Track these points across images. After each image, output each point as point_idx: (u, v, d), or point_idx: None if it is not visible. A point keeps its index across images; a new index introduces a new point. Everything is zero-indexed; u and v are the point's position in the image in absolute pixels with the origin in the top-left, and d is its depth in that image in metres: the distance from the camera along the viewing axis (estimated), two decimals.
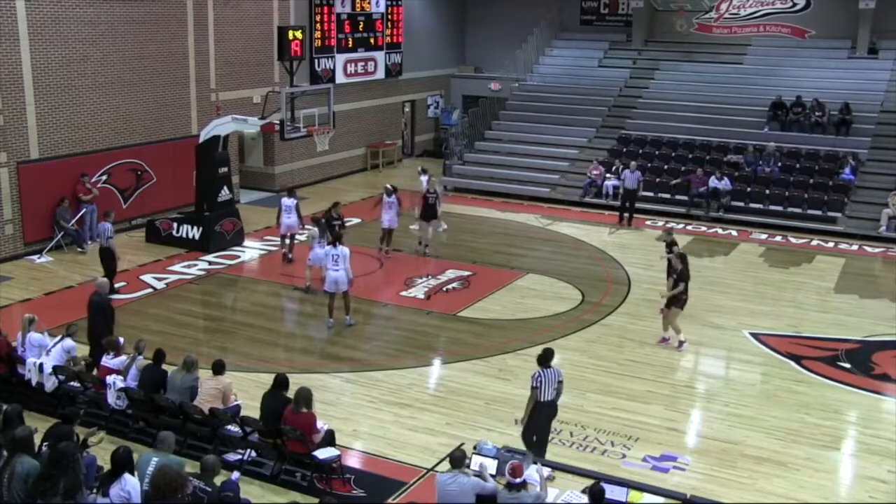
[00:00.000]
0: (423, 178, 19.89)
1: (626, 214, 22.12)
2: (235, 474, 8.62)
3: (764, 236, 21.53)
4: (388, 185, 19.04)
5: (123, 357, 11.25)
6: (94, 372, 11.46)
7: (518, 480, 7.86)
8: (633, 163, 22.35)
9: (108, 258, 16.02)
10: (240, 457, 10.20)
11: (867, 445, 11.13)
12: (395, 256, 18.67)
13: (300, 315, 15.94)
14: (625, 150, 25.40)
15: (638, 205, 22.31)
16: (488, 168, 26.31)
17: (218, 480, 8.15)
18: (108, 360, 11.25)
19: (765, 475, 10.31)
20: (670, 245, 15.59)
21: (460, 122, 29.30)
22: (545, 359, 10.01)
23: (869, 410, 12.22)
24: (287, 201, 18.28)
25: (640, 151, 25.23)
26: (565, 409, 11.82)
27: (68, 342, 11.62)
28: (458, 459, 8.29)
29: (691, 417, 11.97)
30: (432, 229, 18.98)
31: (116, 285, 16.08)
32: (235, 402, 10.66)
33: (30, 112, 18.21)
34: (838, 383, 12.98)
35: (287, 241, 18.53)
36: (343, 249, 14.39)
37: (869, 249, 20.60)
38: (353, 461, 10.34)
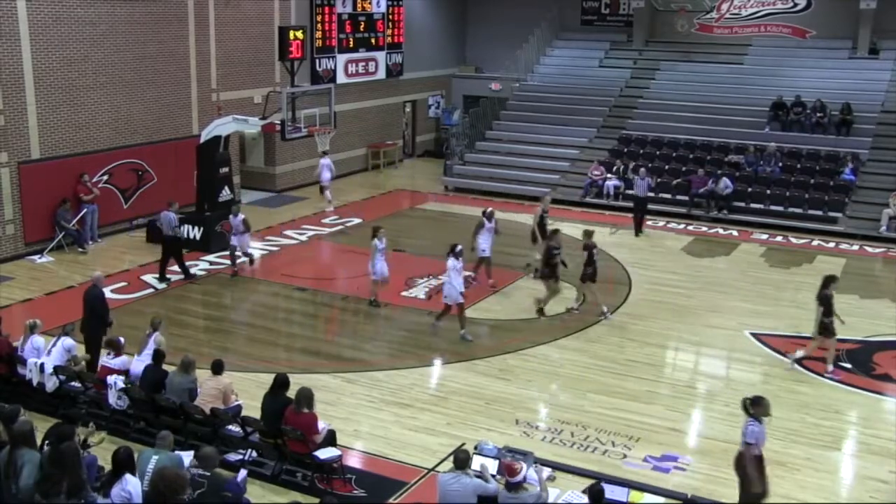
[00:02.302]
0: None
1: (639, 217, 21.56)
2: (242, 473, 8.55)
3: (765, 236, 21.53)
4: (488, 209, 17.37)
5: (124, 357, 11.27)
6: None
7: (515, 480, 7.84)
8: (642, 169, 21.99)
9: (174, 247, 16.82)
10: (241, 457, 10.22)
11: (868, 446, 11.13)
12: (397, 256, 18.51)
13: (301, 315, 15.95)
14: (626, 150, 25.41)
15: None
16: (489, 168, 26.32)
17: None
18: (108, 360, 11.26)
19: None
20: (589, 247, 15.28)
21: (461, 122, 29.29)
22: (744, 406, 9.20)
23: (870, 410, 12.23)
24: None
25: (641, 152, 25.23)
26: (566, 410, 11.90)
27: (68, 341, 11.62)
28: (462, 461, 8.25)
29: (692, 417, 11.97)
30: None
31: (116, 284, 16.11)
32: (236, 403, 10.67)
33: (31, 112, 18.22)
34: (839, 383, 12.98)
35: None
36: (449, 262, 14.17)
37: (869, 249, 20.60)
38: (353, 461, 10.34)
